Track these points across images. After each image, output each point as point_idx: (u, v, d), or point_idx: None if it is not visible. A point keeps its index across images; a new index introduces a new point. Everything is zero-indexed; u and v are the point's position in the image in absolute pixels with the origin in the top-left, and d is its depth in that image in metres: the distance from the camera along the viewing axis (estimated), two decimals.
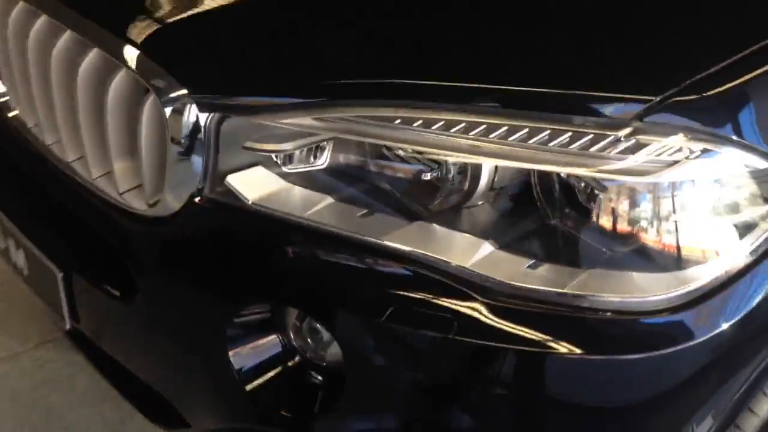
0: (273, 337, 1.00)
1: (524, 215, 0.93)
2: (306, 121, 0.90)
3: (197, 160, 0.94)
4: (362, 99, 0.89)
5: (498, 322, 0.85)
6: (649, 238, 0.87)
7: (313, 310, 0.93)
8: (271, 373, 1.00)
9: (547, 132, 0.83)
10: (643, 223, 0.88)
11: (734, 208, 0.88)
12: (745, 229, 0.88)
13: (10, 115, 1.22)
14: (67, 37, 1.02)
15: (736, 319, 0.87)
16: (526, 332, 0.84)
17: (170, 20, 1.05)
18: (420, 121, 0.85)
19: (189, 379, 1.07)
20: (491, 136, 0.84)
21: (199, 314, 1.01)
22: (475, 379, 0.88)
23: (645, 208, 0.88)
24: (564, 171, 0.86)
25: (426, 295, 0.87)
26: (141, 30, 1.00)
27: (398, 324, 0.87)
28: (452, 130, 0.84)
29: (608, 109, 0.85)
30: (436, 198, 0.93)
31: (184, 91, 0.92)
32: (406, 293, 0.88)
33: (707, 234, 0.87)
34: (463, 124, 0.84)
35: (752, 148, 0.87)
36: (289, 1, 1.09)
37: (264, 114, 0.91)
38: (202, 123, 0.92)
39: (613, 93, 0.86)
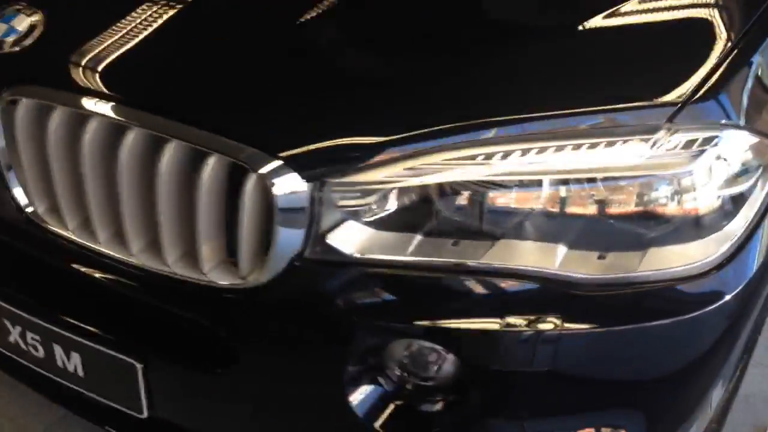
0: (379, 373, 1.10)
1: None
2: (398, 171, 1.01)
3: (300, 227, 1.01)
4: (448, 142, 1.01)
5: (597, 311, 1.02)
6: (684, 212, 1.07)
7: (435, 338, 1.04)
8: (390, 408, 1.09)
9: (603, 143, 1.01)
10: (675, 203, 1.08)
11: (739, 175, 1.10)
12: (749, 189, 1.11)
13: (29, 210, 1.17)
14: (136, 135, 1.03)
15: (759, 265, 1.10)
16: (629, 313, 1.02)
17: (246, 99, 1.09)
18: (516, 152, 1.00)
19: None
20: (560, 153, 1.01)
21: (309, 370, 1.08)
22: (603, 364, 1.04)
23: (675, 192, 1.08)
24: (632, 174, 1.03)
25: (530, 299, 1.02)
26: (222, 115, 1.04)
27: (515, 331, 1.01)
28: (542, 154, 1.00)
29: (644, 117, 1.05)
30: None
31: (284, 166, 0.99)
32: (514, 302, 1.02)
33: (725, 199, 1.09)
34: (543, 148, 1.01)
35: (741, 128, 1.10)
36: (352, 60, 1.17)
37: (360, 173, 1.01)
38: (306, 191, 1.00)
39: (647, 103, 1.06)
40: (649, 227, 1.05)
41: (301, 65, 1.12)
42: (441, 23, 1.19)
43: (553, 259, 1.02)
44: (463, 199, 1.05)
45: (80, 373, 1.20)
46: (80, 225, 1.13)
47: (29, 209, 1.15)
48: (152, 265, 1.09)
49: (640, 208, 1.06)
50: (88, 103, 1.04)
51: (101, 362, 1.16)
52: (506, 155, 1.01)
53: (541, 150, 1.02)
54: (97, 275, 1.16)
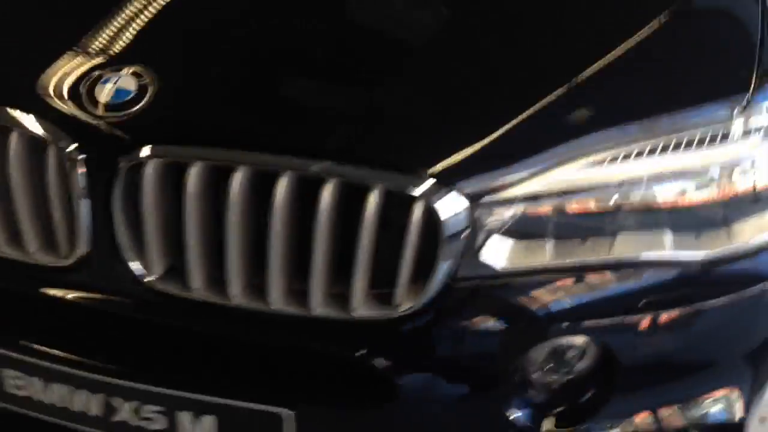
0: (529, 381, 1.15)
1: None
2: (540, 181, 1.07)
3: (459, 248, 1.04)
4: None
5: (720, 284, 1.15)
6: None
7: (588, 333, 1.11)
8: (548, 413, 1.16)
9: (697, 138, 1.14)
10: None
11: None
12: None
13: (148, 279, 1.11)
14: (289, 179, 1.01)
15: None
16: (746, 280, 1.15)
17: (372, 120, 1.10)
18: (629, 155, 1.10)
19: None
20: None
21: (469, 389, 1.11)
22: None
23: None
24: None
25: (662, 284, 1.12)
26: (374, 146, 1.06)
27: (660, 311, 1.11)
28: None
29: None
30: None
31: (445, 189, 1.02)
32: (650, 289, 1.12)
33: None
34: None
35: None
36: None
37: (509, 189, 1.06)
38: (466, 212, 1.03)
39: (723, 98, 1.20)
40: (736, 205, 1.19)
41: (409, 76, 1.16)
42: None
43: (666, 243, 1.13)
44: (591, 201, 1.13)
45: None
46: (206, 283, 1.10)
47: (149, 278, 1.09)
48: (293, 310, 1.08)
49: (727, 190, 1.20)
50: (233, 155, 1.02)
51: (240, 420, 1.13)
52: (625, 157, 1.11)
53: (643, 151, 1.12)
54: (224, 331, 1.12)
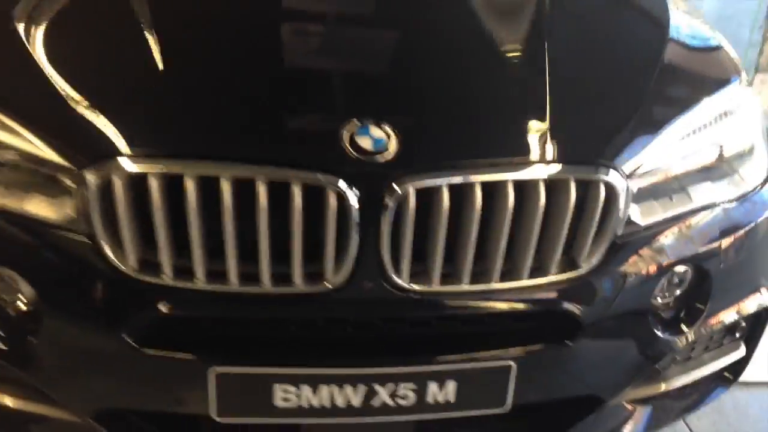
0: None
1: None
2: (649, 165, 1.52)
3: (621, 213, 1.45)
4: None
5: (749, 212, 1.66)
6: None
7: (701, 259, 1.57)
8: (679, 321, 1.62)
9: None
10: None
11: None
12: None
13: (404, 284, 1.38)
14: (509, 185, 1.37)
15: None
16: None
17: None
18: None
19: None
20: None
21: (631, 318, 1.53)
22: None
23: None
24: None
25: (728, 215, 1.61)
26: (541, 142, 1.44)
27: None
28: None
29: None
30: None
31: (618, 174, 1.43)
32: (719, 220, 1.60)
33: None
34: None
35: None
36: None
37: (639, 167, 1.48)
38: (626, 187, 1.44)
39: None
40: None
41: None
42: None
43: (715, 190, 1.62)
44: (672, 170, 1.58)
45: (451, 399, 1.47)
46: (441, 280, 1.41)
47: (415, 286, 1.39)
48: (508, 285, 1.44)
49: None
50: (469, 176, 1.36)
51: (475, 379, 1.46)
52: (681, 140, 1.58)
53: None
54: (458, 312, 1.45)
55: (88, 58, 1.52)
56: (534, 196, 1.38)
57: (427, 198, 1.34)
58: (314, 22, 1.67)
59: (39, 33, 1.55)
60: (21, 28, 1.56)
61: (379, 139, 1.36)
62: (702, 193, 1.60)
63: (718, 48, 1.88)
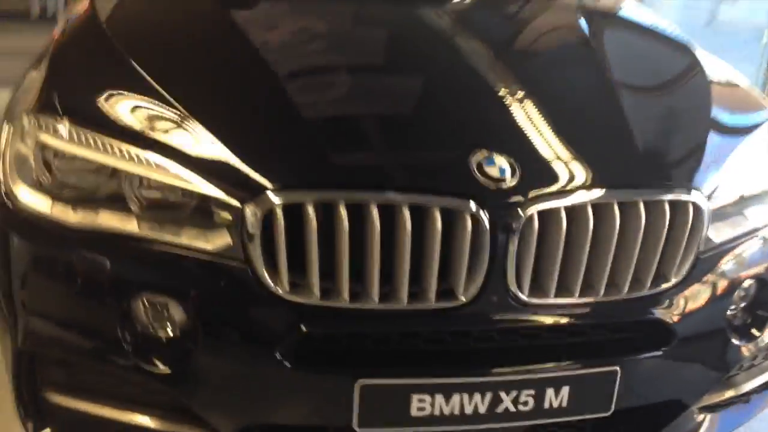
0: None
1: None
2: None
3: (704, 232, 1.65)
4: None
5: None
6: None
7: None
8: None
9: None
10: None
11: None
12: None
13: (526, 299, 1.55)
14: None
15: None
16: None
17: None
18: None
19: None
20: None
21: (710, 324, 1.73)
22: None
23: None
24: None
25: None
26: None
27: None
28: None
29: None
30: None
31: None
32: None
33: None
34: None
35: None
36: None
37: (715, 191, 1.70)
38: (707, 207, 1.65)
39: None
40: None
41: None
42: None
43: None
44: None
45: (564, 404, 1.62)
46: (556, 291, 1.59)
47: (534, 299, 1.57)
48: (611, 298, 1.62)
49: None
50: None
51: (587, 383, 1.62)
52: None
53: None
54: (573, 322, 1.62)
55: (235, 109, 1.71)
56: (635, 216, 1.57)
57: (544, 220, 1.53)
58: (428, 63, 1.91)
59: (191, 91, 1.74)
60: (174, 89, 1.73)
61: (504, 167, 1.55)
62: (758, 213, 1.82)
63: (745, 85, 2.15)
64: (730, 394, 1.90)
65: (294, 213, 1.47)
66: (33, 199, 1.64)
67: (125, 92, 1.75)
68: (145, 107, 1.70)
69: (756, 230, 1.80)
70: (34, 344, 1.63)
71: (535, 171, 1.58)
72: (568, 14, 2.36)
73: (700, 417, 1.90)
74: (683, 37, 2.31)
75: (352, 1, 2.37)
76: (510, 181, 1.54)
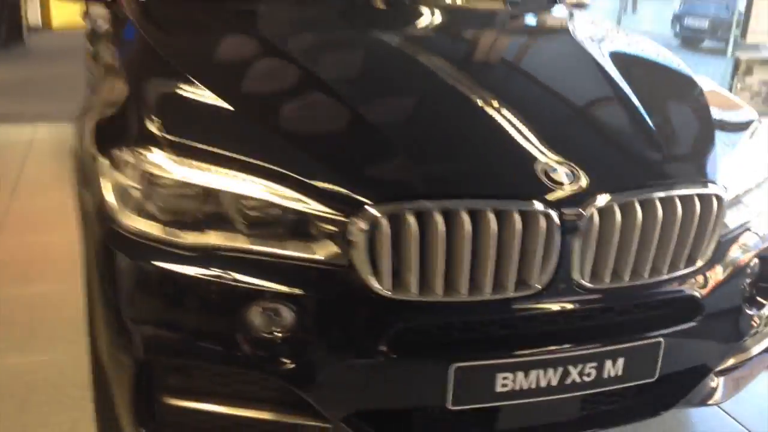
0: None
1: None
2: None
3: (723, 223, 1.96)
4: None
5: None
6: None
7: None
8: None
9: None
10: None
11: None
12: None
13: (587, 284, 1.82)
14: None
15: None
16: None
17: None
18: None
19: None
20: None
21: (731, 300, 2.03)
22: None
23: None
24: None
25: None
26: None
27: None
28: None
29: None
30: None
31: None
32: None
33: None
34: None
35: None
36: None
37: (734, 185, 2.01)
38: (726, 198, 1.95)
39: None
40: None
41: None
42: None
43: None
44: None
45: (620, 373, 1.89)
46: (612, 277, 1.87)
47: (592, 285, 1.84)
48: (653, 279, 1.90)
49: None
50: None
51: (637, 354, 1.89)
52: None
53: None
54: (624, 302, 1.90)
55: (325, 135, 1.94)
56: (672, 210, 1.86)
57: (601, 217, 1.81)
58: (480, 85, 2.20)
59: (278, 120, 1.98)
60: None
61: (567, 173, 1.81)
62: (757, 200, 2.14)
63: (725, 92, 2.49)
64: (741, 358, 2.21)
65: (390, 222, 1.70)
66: (141, 224, 1.81)
67: (218, 122, 1.94)
68: (238, 134, 1.90)
69: (758, 215, 2.12)
70: (152, 354, 1.80)
71: (591, 175, 1.85)
72: (582, 41, 2.70)
73: (715, 381, 2.20)
74: (674, 58, 2.65)
75: (398, 35, 2.70)
76: (572, 185, 1.81)
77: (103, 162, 1.92)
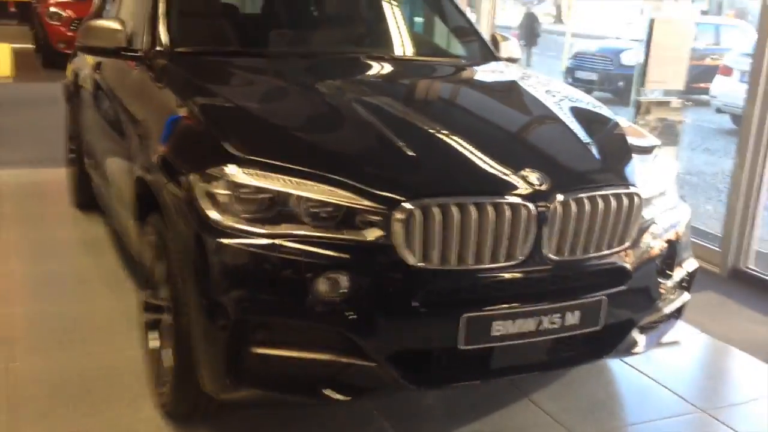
0: None
1: None
2: None
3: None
4: None
5: None
6: None
7: None
8: None
9: None
10: None
11: None
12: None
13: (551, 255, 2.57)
14: None
15: None
16: None
17: None
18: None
19: None
20: None
21: None
22: None
23: None
24: None
25: None
26: None
27: None
28: None
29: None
30: None
31: None
32: None
33: None
34: None
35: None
36: None
37: None
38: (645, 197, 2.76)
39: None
40: None
41: None
42: None
43: None
44: None
45: (576, 322, 2.63)
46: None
47: (557, 258, 2.59)
48: (598, 254, 2.67)
49: None
50: None
51: (587, 308, 2.64)
52: None
53: None
54: (576, 270, 2.65)
55: (369, 150, 2.66)
56: (608, 204, 2.65)
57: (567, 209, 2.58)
58: (474, 112, 3.02)
59: (331, 138, 2.69)
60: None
61: (540, 178, 2.58)
62: (661, 204, 2.97)
63: (638, 128, 3.35)
64: (655, 317, 3.00)
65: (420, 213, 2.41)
66: (230, 220, 2.45)
67: (280, 143, 2.64)
68: (298, 152, 2.59)
69: (661, 213, 2.94)
70: (244, 314, 2.43)
71: (554, 179, 2.62)
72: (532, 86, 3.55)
73: (638, 336, 2.98)
74: (597, 101, 3.53)
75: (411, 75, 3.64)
76: (542, 186, 2.57)
77: (194, 177, 2.55)
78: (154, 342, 3.07)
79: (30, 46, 14.28)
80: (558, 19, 25.97)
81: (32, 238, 4.84)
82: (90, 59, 4.58)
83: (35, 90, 10.98)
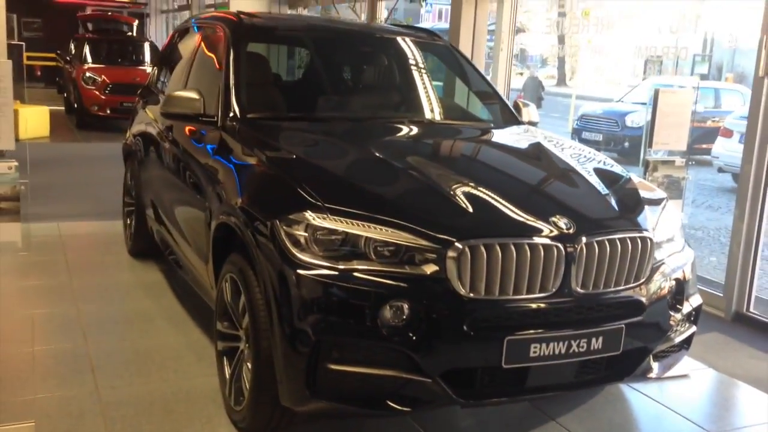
0: None
1: None
2: None
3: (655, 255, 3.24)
4: None
5: None
6: None
7: None
8: None
9: None
10: None
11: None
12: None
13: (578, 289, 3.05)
14: None
15: None
16: None
17: None
18: None
19: None
20: None
21: None
22: None
23: None
24: None
25: None
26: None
27: None
28: None
29: None
30: None
31: None
32: None
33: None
34: None
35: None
36: None
37: None
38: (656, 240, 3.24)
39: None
40: None
41: None
42: None
43: None
44: None
45: (600, 347, 3.07)
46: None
47: (583, 291, 3.06)
48: (617, 289, 3.14)
49: None
50: None
51: (609, 336, 3.10)
52: None
53: None
54: (599, 302, 3.12)
55: (425, 199, 3.19)
56: (625, 246, 3.14)
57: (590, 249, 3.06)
58: (505, 166, 3.55)
59: (387, 188, 3.19)
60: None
61: (566, 223, 3.07)
62: (670, 248, 3.45)
63: (648, 183, 3.87)
64: (667, 345, 3.45)
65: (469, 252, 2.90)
66: (308, 257, 2.94)
67: (350, 193, 3.16)
68: (365, 200, 3.10)
69: (670, 255, 3.43)
70: (322, 336, 2.89)
71: (579, 224, 3.11)
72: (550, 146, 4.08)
73: (652, 362, 3.43)
74: (610, 159, 4.05)
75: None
76: (569, 230, 3.06)
77: (278, 221, 3.05)
78: (229, 366, 3.52)
79: (60, 107, 14.94)
80: (560, 81, 26.81)
81: (96, 283, 5.32)
82: (156, 123, 5.12)
83: (74, 150, 11.62)
